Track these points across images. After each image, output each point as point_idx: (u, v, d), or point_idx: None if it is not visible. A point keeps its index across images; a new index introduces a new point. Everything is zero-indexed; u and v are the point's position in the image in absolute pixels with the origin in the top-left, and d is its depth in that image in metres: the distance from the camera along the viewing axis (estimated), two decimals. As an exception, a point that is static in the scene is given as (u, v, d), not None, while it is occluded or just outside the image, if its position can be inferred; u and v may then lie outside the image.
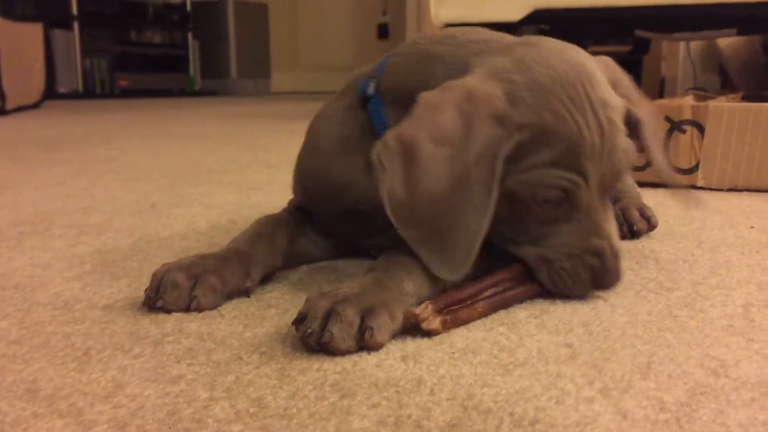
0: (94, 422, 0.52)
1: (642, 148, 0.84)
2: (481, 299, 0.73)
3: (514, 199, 0.76)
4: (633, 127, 0.82)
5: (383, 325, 0.66)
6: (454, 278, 0.73)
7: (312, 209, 0.94)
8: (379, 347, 0.65)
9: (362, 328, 0.65)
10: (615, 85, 0.81)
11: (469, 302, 0.72)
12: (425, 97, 0.75)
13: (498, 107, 0.73)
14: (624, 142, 0.78)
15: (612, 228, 0.79)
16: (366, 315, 0.65)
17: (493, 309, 0.74)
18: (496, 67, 0.76)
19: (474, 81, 0.75)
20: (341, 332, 0.64)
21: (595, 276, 0.78)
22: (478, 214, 0.72)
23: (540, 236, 0.78)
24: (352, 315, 0.65)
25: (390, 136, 0.75)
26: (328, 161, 0.90)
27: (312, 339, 0.64)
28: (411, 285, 0.72)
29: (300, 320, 0.66)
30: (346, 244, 0.97)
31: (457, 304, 0.71)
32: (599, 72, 0.78)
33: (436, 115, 0.74)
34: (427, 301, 0.69)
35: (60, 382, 0.59)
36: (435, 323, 0.67)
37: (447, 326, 0.69)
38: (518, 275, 0.78)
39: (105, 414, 0.53)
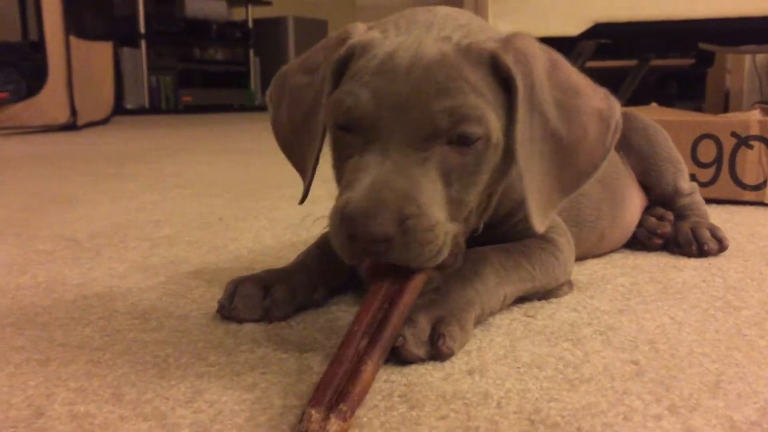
0: (177, 426, 0.55)
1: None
2: (367, 352, 0.59)
3: (328, 124, 0.71)
4: (505, 83, 0.69)
5: (454, 333, 0.68)
6: (299, 203, 0.79)
7: None
8: (451, 355, 0.67)
9: (433, 337, 0.67)
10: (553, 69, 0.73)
11: (355, 364, 0.58)
12: None
13: (348, 32, 0.74)
14: (448, 75, 0.66)
15: (398, 174, 0.64)
16: (437, 324, 0.68)
17: (384, 351, 0.61)
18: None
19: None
20: (414, 337, 0.66)
21: (344, 222, 0.63)
22: (310, 135, 0.75)
23: (342, 178, 0.69)
24: (424, 322, 0.67)
25: (280, 69, 0.83)
26: None
27: None
28: (472, 292, 0.74)
29: None
30: None
31: (344, 378, 0.56)
32: (473, 22, 0.73)
33: (313, 47, 0.80)
34: (308, 407, 0.54)
35: (143, 387, 0.62)
36: (333, 426, 0.52)
37: (349, 416, 0.54)
38: (383, 295, 0.65)
39: (187, 418, 0.56)
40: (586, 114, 0.72)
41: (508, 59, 0.69)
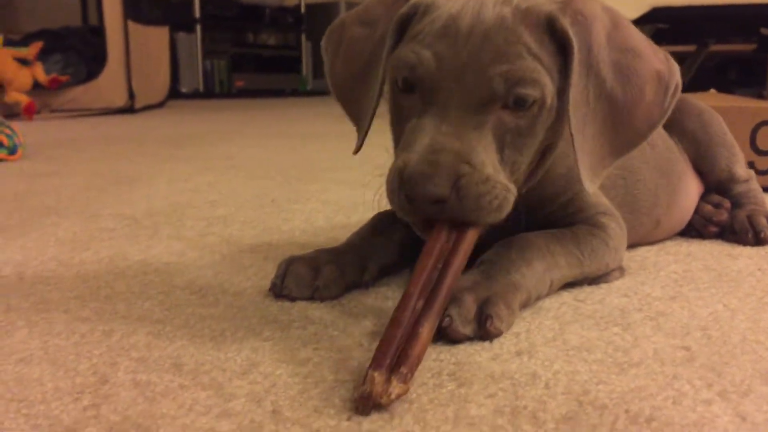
0: (233, 395, 0.57)
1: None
2: (423, 314, 0.61)
3: (392, 83, 0.73)
4: (563, 45, 0.70)
5: (501, 313, 0.68)
6: (353, 153, 0.80)
7: None
8: (498, 335, 0.68)
9: (481, 317, 0.67)
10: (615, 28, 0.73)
11: (412, 326, 0.59)
12: None
13: None
14: (506, 40, 0.67)
15: (454, 137, 0.66)
16: (483, 305, 0.69)
17: (439, 313, 0.63)
18: None
19: None
20: (460, 316, 0.67)
21: (402, 183, 0.66)
22: (372, 88, 0.76)
23: (401, 137, 0.72)
24: (469, 302, 0.68)
25: (335, 21, 0.83)
26: None
27: None
28: (518, 276, 0.75)
29: None
30: None
31: (402, 341, 0.58)
32: None
33: (372, 0, 0.81)
34: (368, 369, 0.55)
35: (201, 359, 0.64)
36: (396, 389, 0.54)
37: (409, 378, 0.55)
38: (436, 254, 0.66)
39: (243, 389, 0.58)
40: (644, 76, 0.73)
41: (565, 22, 0.70)
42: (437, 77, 0.68)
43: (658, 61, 0.75)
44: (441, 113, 0.68)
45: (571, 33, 0.69)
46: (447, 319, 0.66)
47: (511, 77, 0.67)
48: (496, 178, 0.68)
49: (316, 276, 0.81)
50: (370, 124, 0.78)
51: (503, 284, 0.73)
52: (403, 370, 0.55)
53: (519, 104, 0.69)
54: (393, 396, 0.54)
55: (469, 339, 0.68)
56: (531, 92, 0.68)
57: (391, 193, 0.69)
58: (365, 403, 0.53)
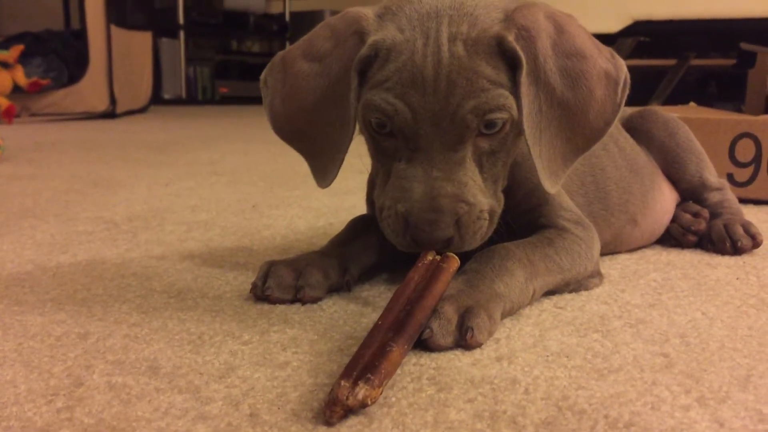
0: (211, 399, 0.56)
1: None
2: (393, 339, 0.60)
3: (365, 122, 0.77)
4: (513, 59, 0.73)
5: (482, 324, 0.68)
6: (322, 187, 0.81)
7: None
8: (479, 346, 0.68)
9: (462, 328, 0.67)
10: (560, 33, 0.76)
11: (384, 348, 0.58)
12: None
13: (362, 25, 0.76)
14: (468, 79, 0.71)
15: (447, 181, 0.72)
16: (465, 315, 0.68)
17: (410, 340, 0.62)
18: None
19: (357, 7, 0.79)
20: (441, 329, 0.66)
21: (408, 228, 0.73)
22: (340, 127, 0.77)
23: (389, 177, 0.77)
24: (450, 312, 0.68)
25: (276, 56, 0.84)
26: None
27: None
28: (502, 286, 0.75)
29: None
30: None
31: (370, 360, 0.57)
32: (477, 8, 0.74)
33: (313, 33, 0.82)
34: (338, 379, 0.55)
35: (178, 362, 0.63)
36: (362, 389, 0.53)
37: (377, 385, 0.54)
38: (412, 288, 0.68)
39: (220, 392, 0.57)
40: (592, 77, 0.76)
41: (512, 40, 0.73)
42: (415, 126, 0.72)
43: (604, 60, 0.77)
44: (427, 158, 0.73)
45: (519, 49, 0.72)
46: (428, 331, 0.66)
47: (480, 109, 0.72)
48: (485, 206, 0.75)
49: (298, 278, 0.81)
50: (342, 161, 0.79)
51: (487, 294, 0.73)
52: (370, 376, 0.54)
53: (490, 127, 0.74)
54: (359, 396, 0.53)
55: (450, 349, 0.67)
56: (499, 116, 0.73)
57: (394, 234, 0.75)
58: (332, 409, 0.52)
